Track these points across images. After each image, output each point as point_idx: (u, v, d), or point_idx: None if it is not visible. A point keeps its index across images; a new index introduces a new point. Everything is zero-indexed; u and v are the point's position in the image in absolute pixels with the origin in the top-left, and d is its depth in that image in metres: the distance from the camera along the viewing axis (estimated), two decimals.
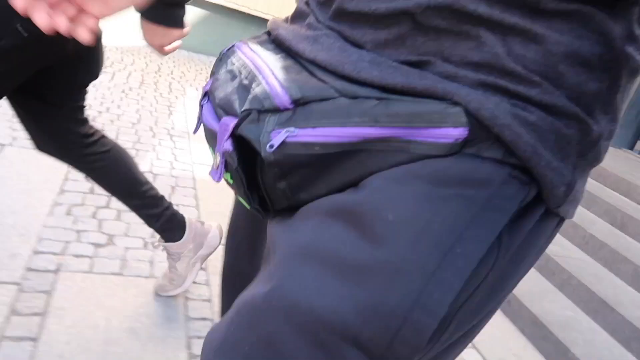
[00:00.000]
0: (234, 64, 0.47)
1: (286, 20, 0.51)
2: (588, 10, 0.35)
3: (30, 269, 1.49)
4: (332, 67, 0.40)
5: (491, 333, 1.96)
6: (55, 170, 2.08)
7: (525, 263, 0.42)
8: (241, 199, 0.45)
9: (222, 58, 0.50)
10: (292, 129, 0.37)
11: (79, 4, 0.47)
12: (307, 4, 0.48)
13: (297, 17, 0.48)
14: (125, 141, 2.59)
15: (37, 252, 1.57)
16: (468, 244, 0.35)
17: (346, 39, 0.41)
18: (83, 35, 0.48)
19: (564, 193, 0.38)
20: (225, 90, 0.44)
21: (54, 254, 1.59)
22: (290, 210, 0.43)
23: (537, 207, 0.38)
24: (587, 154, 0.39)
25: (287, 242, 0.40)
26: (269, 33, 0.51)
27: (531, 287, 2.20)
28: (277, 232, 0.44)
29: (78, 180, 2.07)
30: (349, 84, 0.38)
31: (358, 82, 0.38)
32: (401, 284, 0.34)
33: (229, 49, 0.50)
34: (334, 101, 0.37)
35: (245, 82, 0.42)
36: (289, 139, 0.37)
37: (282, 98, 0.38)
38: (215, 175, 0.43)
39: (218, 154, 0.42)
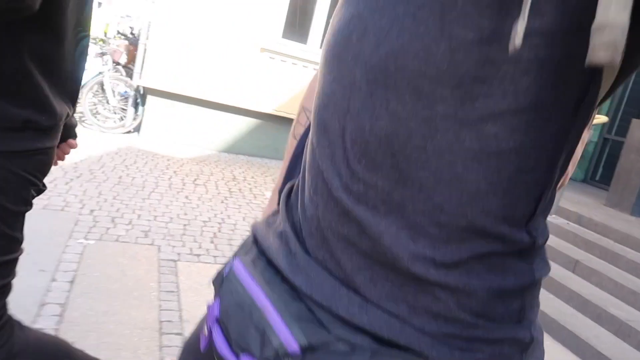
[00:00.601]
0: (239, 293, 0.50)
1: (267, 224, 0.56)
2: (500, 253, 0.43)
3: None
4: (327, 307, 0.45)
5: None
6: None
7: None
8: None
9: (224, 280, 0.53)
10: None
11: None
12: (283, 224, 0.53)
13: (279, 237, 0.52)
14: None
15: None
16: None
17: (330, 271, 0.47)
18: None
19: None
20: (239, 325, 0.48)
21: None
22: None
23: None
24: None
25: None
26: (255, 240, 0.56)
27: (615, 354, 2.66)
28: None
29: None
30: (346, 330, 0.44)
31: (351, 324, 0.44)
32: None
33: (228, 271, 0.53)
34: (334, 349, 0.43)
35: (258, 324, 0.46)
36: None
37: (293, 346, 0.43)
38: None
39: None
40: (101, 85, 5.44)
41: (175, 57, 5.31)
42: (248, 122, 5.78)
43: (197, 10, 5.26)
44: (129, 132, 5.60)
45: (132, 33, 6.69)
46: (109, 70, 5.45)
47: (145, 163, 4.55)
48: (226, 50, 5.44)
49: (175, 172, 4.49)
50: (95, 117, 5.46)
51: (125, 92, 5.56)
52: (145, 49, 5.44)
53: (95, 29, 9.32)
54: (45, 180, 0.97)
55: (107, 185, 3.69)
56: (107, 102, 5.49)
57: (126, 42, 6.17)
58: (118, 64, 5.73)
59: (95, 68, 5.38)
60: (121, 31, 7.29)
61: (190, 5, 5.23)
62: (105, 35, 9.28)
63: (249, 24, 5.45)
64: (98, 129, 5.40)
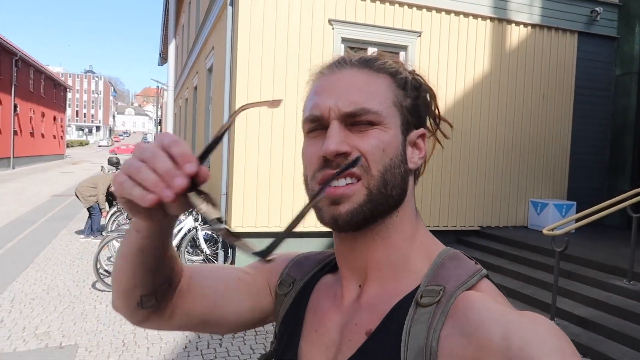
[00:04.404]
0: None
1: None
2: None
3: None
4: None
5: None
6: None
7: None
8: None
9: None
10: None
11: None
12: None
13: None
14: None
15: None
16: None
17: None
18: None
19: None
20: None
21: None
22: None
23: None
24: None
25: None
26: None
27: None
28: None
29: None
30: None
31: None
32: None
33: None
34: None
35: None
36: None
37: None
38: None
39: None
40: (193, 239, 5.93)
41: (255, 199, 5.87)
42: (323, 242, 6.20)
43: (267, 153, 5.93)
44: None
45: None
46: (200, 223, 5.99)
47: None
48: (300, 180, 5.97)
49: None
50: None
51: (210, 235, 6.05)
52: (227, 198, 6.03)
53: None
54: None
55: None
56: (201, 252, 5.95)
57: None
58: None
59: (187, 225, 5.88)
60: None
61: (261, 149, 5.91)
62: None
63: None
64: None
